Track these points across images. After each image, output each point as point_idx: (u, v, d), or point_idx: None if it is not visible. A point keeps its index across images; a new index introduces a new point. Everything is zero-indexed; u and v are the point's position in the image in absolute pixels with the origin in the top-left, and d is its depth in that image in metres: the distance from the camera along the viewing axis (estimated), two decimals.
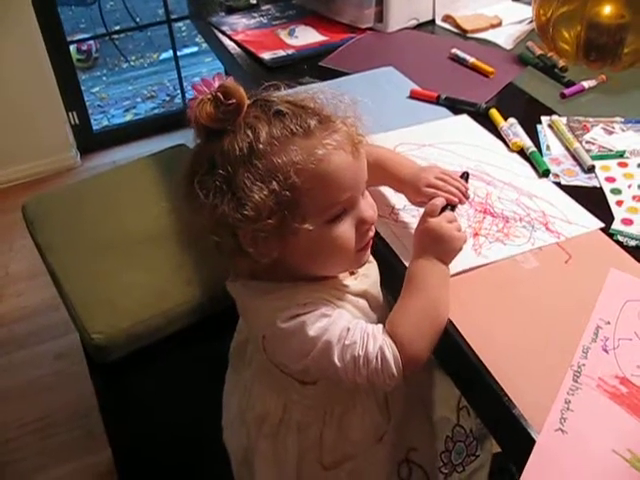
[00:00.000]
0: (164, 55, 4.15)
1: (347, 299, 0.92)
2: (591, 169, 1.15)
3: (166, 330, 1.35)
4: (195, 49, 4.15)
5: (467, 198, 1.00)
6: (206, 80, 0.84)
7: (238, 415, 1.09)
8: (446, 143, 1.20)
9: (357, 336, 0.85)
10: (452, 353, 0.89)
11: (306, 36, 1.67)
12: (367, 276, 0.97)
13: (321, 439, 1.02)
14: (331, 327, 0.86)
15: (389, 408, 1.05)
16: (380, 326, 0.88)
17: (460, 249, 0.92)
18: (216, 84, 0.83)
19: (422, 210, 0.94)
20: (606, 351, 0.85)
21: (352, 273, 0.95)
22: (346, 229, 0.87)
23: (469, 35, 1.67)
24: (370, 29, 1.68)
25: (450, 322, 0.89)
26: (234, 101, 0.81)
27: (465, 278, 0.95)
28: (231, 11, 1.85)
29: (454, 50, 1.53)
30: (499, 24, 1.71)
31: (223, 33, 1.73)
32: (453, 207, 0.95)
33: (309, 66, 1.54)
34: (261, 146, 0.80)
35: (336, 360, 0.84)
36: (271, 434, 1.02)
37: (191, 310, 1.36)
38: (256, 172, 0.80)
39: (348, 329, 0.86)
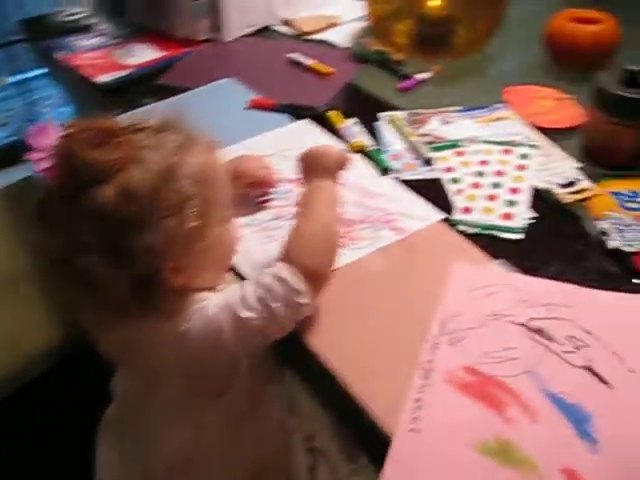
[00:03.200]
0: (13, 78, 3.96)
1: None
2: (430, 161, 1.17)
3: (22, 379, 1.29)
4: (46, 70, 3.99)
5: None
6: (41, 131, 0.80)
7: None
8: (287, 150, 1.19)
9: (250, 284, 0.86)
10: (307, 366, 0.89)
11: (144, 54, 1.63)
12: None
13: (241, 456, 1.01)
14: (225, 296, 0.85)
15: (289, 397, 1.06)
16: None
17: (341, 158, 0.98)
18: (52, 133, 0.80)
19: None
20: (453, 343, 0.86)
21: None
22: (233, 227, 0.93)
23: (308, 37, 1.67)
24: (208, 40, 1.66)
25: (301, 336, 0.89)
26: (124, 136, 0.80)
27: None
28: (65, 33, 1.78)
29: (290, 55, 1.53)
30: (337, 23, 1.73)
31: (59, 57, 1.66)
32: None
33: (149, 85, 1.50)
34: (176, 158, 0.81)
35: (247, 313, 0.82)
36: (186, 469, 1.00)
37: (47, 354, 1.31)
38: (184, 183, 0.81)
39: (240, 286, 0.86)
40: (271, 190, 1.12)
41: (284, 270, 0.85)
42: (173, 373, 0.90)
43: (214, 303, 0.85)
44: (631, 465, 0.74)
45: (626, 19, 1.43)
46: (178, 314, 0.85)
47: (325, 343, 0.88)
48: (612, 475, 0.73)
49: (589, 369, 0.83)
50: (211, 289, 0.91)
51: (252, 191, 1.12)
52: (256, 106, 1.36)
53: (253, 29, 1.69)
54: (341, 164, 0.99)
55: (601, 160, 1.17)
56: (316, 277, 0.87)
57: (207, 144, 0.87)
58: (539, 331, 0.88)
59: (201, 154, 0.85)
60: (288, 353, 0.92)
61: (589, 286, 0.94)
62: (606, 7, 1.44)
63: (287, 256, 0.87)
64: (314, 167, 0.97)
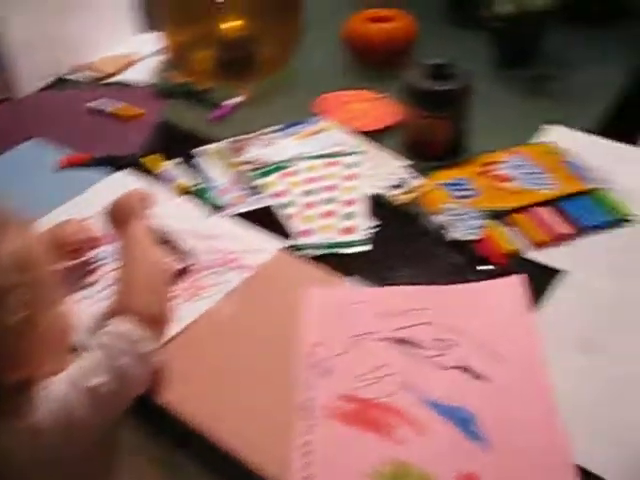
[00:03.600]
0: None
1: None
2: (257, 189, 1.14)
3: None
4: None
5: None
6: None
7: None
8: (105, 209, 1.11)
9: (90, 350, 0.81)
10: (185, 441, 0.83)
11: None
12: None
13: None
14: (67, 372, 0.80)
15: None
16: None
17: (142, 197, 0.99)
18: None
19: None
20: (324, 375, 0.84)
21: None
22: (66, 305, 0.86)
23: (109, 80, 1.59)
24: (0, 101, 1.53)
25: (166, 405, 0.83)
26: None
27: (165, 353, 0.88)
28: None
29: (91, 104, 1.45)
30: (135, 60, 1.65)
31: None
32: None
33: None
34: None
35: (95, 380, 0.78)
36: None
37: None
38: (2, 275, 0.73)
39: (81, 357, 0.81)
40: (97, 253, 1.05)
41: (119, 324, 0.82)
42: (38, 472, 0.82)
43: (58, 383, 0.79)
44: (517, 447, 0.75)
45: (421, 14, 1.47)
46: (24, 409, 0.78)
47: (198, 412, 0.82)
48: (504, 465, 0.74)
49: (461, 368, 0.83)
50: (55, 373, 0.84)
51: (77, 259, 1.04)
52: (69, 164, 1.27)
53: (49, 81, 1.58)
54: (145, 203, 0.99)
55: (423, 154, 1.19)
56: (153, 319, 0.85)
57: (19, 225, 0.80)
58: (405, 341, 0.87)
59: (15, 239, 0.77)
60: (157, 424, 0.87)
61: (442, 282, 0.95)
62: (400, 4, 1.47)
63: (119, 308, 0.85)
64: (122, 218, 0.96)
